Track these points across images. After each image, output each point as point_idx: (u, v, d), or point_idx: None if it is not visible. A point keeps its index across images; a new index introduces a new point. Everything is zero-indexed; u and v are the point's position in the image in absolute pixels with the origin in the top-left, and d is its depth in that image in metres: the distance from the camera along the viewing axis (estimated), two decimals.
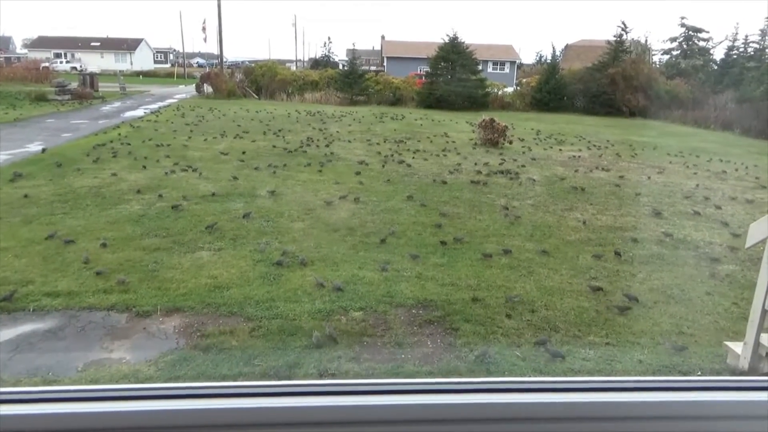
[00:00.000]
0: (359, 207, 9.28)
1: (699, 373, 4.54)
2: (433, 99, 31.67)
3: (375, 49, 63.92)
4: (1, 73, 34.29)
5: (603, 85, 31.89)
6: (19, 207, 8.58)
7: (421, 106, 31.89)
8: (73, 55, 66.73)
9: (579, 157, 15.72)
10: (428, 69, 34.39)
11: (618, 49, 33.48)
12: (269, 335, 5.02)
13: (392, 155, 14.28)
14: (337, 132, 18.92)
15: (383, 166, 12.92)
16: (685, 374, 4.54)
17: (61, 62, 60.87)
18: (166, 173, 11.17)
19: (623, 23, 34.94)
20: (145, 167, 11.71)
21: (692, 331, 5.42)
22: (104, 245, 7.02)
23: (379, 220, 8.62)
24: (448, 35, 33.11)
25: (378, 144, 16.44)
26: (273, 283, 6.09)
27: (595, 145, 18.35)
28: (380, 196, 10.09)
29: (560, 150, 16.89)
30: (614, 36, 34.22)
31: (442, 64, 32.80)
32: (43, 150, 12.91)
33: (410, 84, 35.01)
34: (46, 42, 69.47)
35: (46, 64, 48.67)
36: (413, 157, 14.21)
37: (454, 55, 32.39)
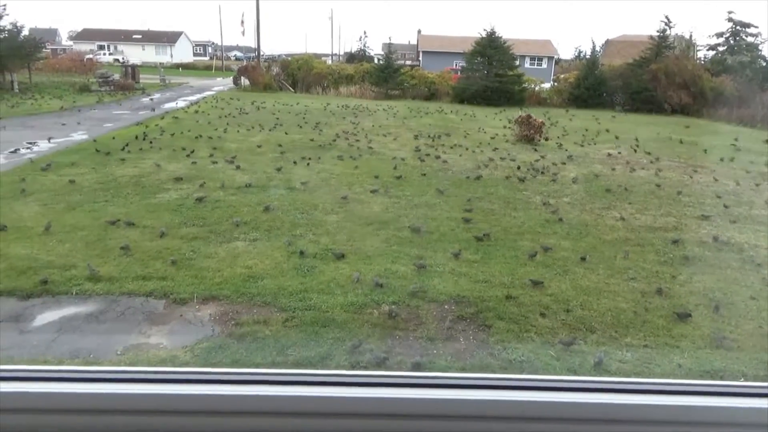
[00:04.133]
0: (393, 201, 9.27)
1: (742, 379, 4.39)
2: (468, 94, 31.37)
3: (411, 43, 63.71)
4: (48, 64, 35.40)
5: (644, 82, 31.03)
6: (64, 194, 8.86)
7: (456, 101, 31.64)
8: (116, 48, 68.45)
9: (617, 155, 15.35)
10: (464, 64, 34.00)
11: (661, 44, 32.53)
12: (302, 326, 5.08)
13: (427, 150, 14.21)
14: (372, 126, 18.93)
15: (420, 161, 12.86)
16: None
17: (104, 54, 62.48)
18: (204, 164, 11.37)
19: (667, 18, 33.95)
20: (186, 157, 11.94)
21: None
22: (144, 232, 7.21)
23: (412, 214, 8.60)
24: (485, 30, 32.74)
25: (413, 139, 16.39)
26: (307, 275, 6.14)
27: (633, 144, 17.92)
28: (414, 190, 10.06)
29: (598, 148, 16.53)
30: (657, 31, 33.25)
31: (479, 59, 32.45)
32: (95, 140, 13.26)
33: (446, 79, 34.75)
34: (90, 34, 71.40)
35: (90, 56, 50.11)
36: (448, 152, 14.11)
37: (490, 50, 32.00)
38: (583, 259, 6.92)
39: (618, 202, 9.93)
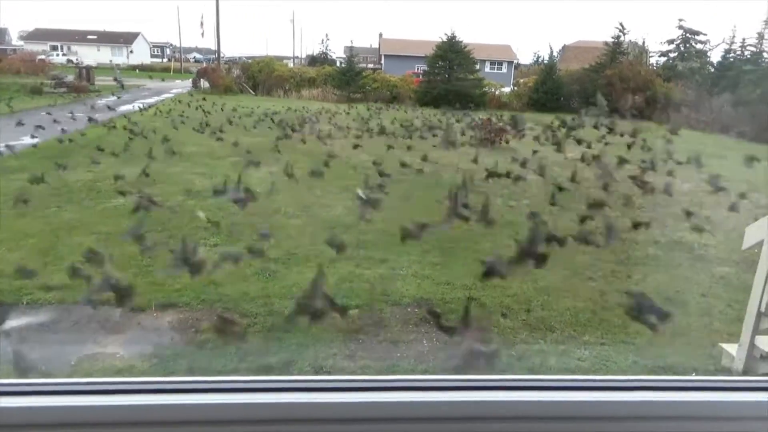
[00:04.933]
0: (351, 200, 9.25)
1: (693, 373, 4.55)
2: (430, 97, 31.65)
3: (373, 47, 63.77)
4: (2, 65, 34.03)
5: (600, 87, 31.93)
6: (13, 200, 8.52)
7: (418, 105, 31.86)
8: (69, 48, 66.21)
9: (574, 158, 15.69)
10: (425, 68, 34.33)
11: (615, 50, 33.55)
12: (263, 332, 5.02)
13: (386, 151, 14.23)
14: (331, 128, 18.86)
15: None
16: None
17: (57, 55, 60.39)
18: (163, 168, 11.11)
19: (621, 25, 35.00)
20: (143, 161, 11.64)
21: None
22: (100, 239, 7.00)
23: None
24: (446, 34, 33.14)
25: (370, 139, 16.39)
26: (268, 280, 6.08)
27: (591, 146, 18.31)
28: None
29: (556, 150, 16.85)
30: (612, 37, 34.30)
31: (440, 63, 32.81)
32: (46, 144, 12.82)
33: (407, 82, 34.96)
34: (42, 34, 68.86)
35: (43, 57, 48.34)
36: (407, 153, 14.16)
37: (451, 54, 32.39)
38: None
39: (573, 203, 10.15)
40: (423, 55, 35.51)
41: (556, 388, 1.12)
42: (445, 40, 32.99)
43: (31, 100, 24.89)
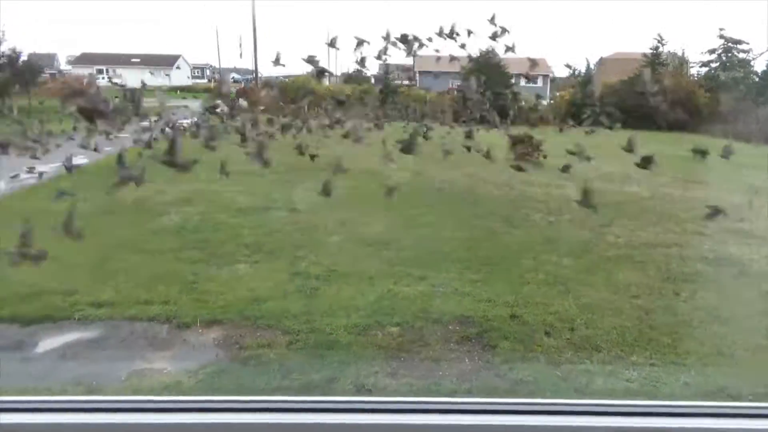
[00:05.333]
0: (391, 220, 9.27)
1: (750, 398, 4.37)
2: (466, 114, 31.68)
3: (408, 63, 64.39)
4: (47, 88, 35.67)
5: (639, 98, 31.35)
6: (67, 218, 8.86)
7: (454, 122, 31.92)
8: (114, 71, 68.84)
9: (613, 172, 15.39)
10: (461, 83, 34.46)
11: (654, 62, 32.91)
12: (306, 349, 5.06)
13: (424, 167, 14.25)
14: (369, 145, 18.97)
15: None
16: None
17: (102, 78, 62.87)
18: (205, 186, 11.37)
19: (659, 36, 34.35)
20: (187, 178, 11.95)
21: None
22: (145, 257, 7.20)
23: (415, 234, 8.60)
24: (480, 49, 33.24)
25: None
26: (310, 297, 6.13)
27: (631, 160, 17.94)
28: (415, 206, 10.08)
29: (594, 165, 16.56)
30: (650, 49, 33.68)
31: (475, 78, 32.89)
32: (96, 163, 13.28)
33: (443, 98, 35.09)
34: (88, 58, 71.71)
35: (89, 80, 50.19)
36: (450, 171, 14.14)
37: (487, 69, 32.49)
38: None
39: (616, 218, 9.95)
40: (458, 70, 35.62)
41: (563, 413, 1.10)
42: (480, 54, 33.12)
43: (79, 121, 25.93)
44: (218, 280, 6.55)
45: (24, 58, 29.86)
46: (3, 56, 26.92)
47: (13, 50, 28.12)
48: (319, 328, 5.39)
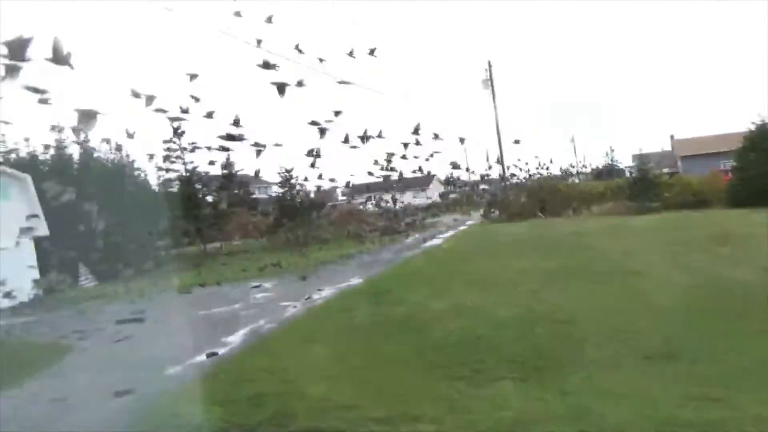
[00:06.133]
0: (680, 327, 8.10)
1: None
2: (743, 196, 27.28)
3: (664, 150, 59.40)
4: (333, 218, 42.61)
5: None
6: (346, 333, 9.91)
7: (731, 206, 27.74)
8: (381, 197, 77.90)
9: None
10: (735, 162, 30.23)
11: None
12: None
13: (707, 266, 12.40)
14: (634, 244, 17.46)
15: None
16: None
17: (370, 204, 71.56)
18: (466, 299, 11.62)
19: None
20: (449, 293, 12.49)
21: None
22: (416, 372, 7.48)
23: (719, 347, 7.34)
24: (753, 123, 29.11)
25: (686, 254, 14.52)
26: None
27: None
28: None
29: None
30: None
31: (752, 155, 28.50)
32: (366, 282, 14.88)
33: (715, 182, 31.04)
34: (357, 189, 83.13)
35: (360, 207, 57.86)
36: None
37: (766, 144, 28.02)
38: None
39: None
40: (726, 149, 31.68)
41: None
42: (754, 128, 28.92)
43: (353, 244, 29.64)
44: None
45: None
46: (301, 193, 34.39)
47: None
48: None
